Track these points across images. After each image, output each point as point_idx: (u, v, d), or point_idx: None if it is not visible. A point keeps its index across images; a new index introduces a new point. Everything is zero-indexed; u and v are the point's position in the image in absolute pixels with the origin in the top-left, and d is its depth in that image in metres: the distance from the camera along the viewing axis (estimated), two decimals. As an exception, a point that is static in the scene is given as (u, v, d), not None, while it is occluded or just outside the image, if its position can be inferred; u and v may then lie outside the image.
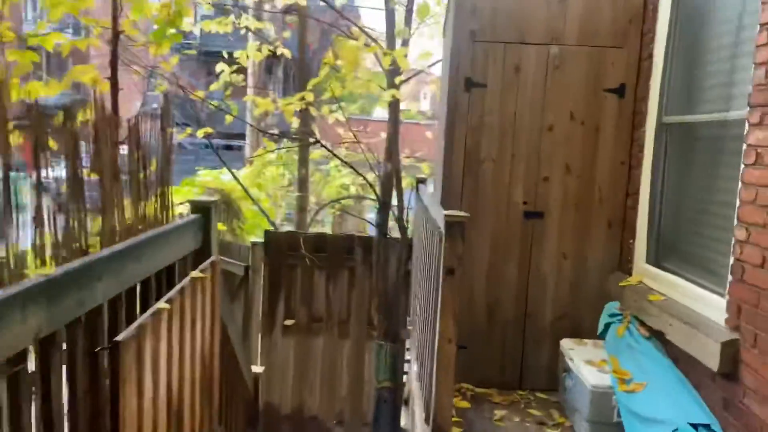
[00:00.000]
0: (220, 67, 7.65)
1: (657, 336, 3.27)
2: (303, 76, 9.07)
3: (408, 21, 6.16)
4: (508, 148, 3.99)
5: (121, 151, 2.17)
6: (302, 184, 10.30)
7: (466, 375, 3.91)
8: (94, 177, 1.96)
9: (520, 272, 4.04)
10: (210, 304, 2.64)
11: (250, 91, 11.29)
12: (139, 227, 2.24)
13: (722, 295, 2.75)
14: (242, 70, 7.92)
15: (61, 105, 1.86)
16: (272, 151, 9.96)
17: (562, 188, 4.00)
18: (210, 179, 9.89)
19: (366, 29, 6.52)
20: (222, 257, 3.52)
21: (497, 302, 4.06)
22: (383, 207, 6.37)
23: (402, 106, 6.36)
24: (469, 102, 3.96)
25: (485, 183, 4.01)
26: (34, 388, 1.52)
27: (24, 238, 1.63)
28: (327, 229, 11.97)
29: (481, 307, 4.06)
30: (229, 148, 16.89)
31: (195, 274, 2.42)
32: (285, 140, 10.31)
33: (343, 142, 8.41)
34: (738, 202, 2.63)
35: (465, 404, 3.75)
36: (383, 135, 6.96)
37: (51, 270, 1.57)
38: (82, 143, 1.90)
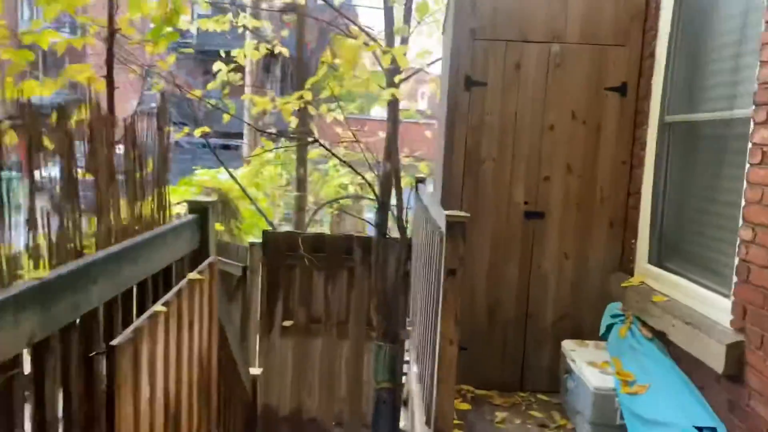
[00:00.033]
0: (217, 66, 7.62)
1: (659, 337, 3.24)
2: (301, 75, 9.04)
3: (407, 19, 6.12)
4: (508, 148, 3.96)
5: (118, 151, 2.13)
6: (300, 183, 10.26)
7: (467, 376, 3.87)
8: (90, 177, 1.92)
9: (520, 273, 4.01)
10: (208, 306, 2.61)
11: (247, 90, 11.26)
12: (136, 228, 2.20)
13: (727, 296, 2.72)
14: (240, 69, 7.88)
15: (56, 104, 1.82)
16: (270, 151, 9.92)
17: (563, 188, 3.97)
18: (207, 179, 9.84)
19: (365, 28, 6.48)
20: (219, 258, 3.48)
21: (498, 303, 4.02)
22: (382, 207, 6.33)
23: (401, 105, 6.31)
24: (470, 101, 3.93)
25: (486, 183, 3.97)
26: (28, 393, 1.48)
27: (17, 239, 1.59)
28: (325, 229, 11.94)
29: (482, 308, 4.02)
30: (226, 147, 16.86)
31: (192, 275, 2.38)
32: (283, 139, 10.27)
33: (342, 142, 8.37)
34: (743, 202, 2.60)
35: (465, 406, 3.72)
36: (381, 134, 6.93)
37: (45, 273, 1.53)
38: (78, 143, 1.86)
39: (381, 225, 6.30)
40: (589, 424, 3.18)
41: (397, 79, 5.76)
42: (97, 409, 1.76)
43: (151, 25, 4.31)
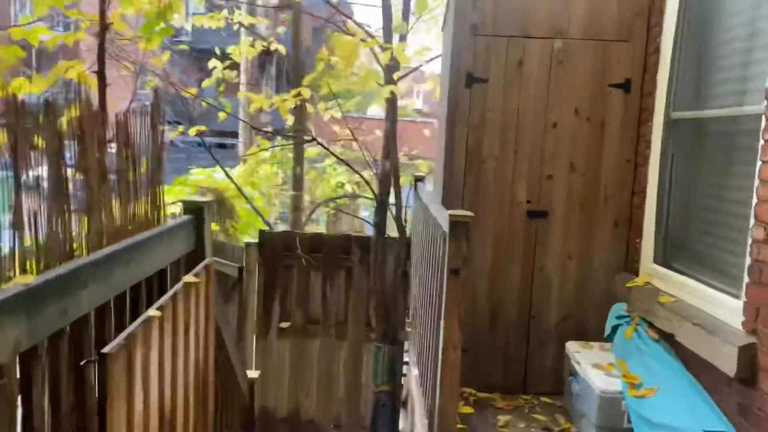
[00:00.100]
0: (212, 63, 7.53)
1: (666, 338, 3.18)
2: (297, 72, 8.94)
3: (406, 15, 6.04)
4: (510, 146, 3.88)
5: (110, 150, 2.04)
6: (297, 182, 10.18)
7: (469, 379, 3.79)
8: (81, 176, 1.83)
9: (523, 273, 3.93)
10: (204, 309, 2.52)
11: (243, 87, 11.16)
12: (129, 229, 2.12)
13: (737, 297, 2.65)
14: (235, 67, 7.80)
15: (44, 101, 1.73)
16: (266, 149, 9.83)
17: (567, 186, 3.89)
18: (203, 178, 9.74)
19: (363, 25, 6.40)
20: (215, 258, 3.40)
21: (500, 303, 3.95)
22: (381, 206, 6.25)
23: (398, 103, 6.23)
24: (471, 98, 3.85)
25: (487, 181, 3.90)
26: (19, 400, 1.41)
27: (3, 240, 1.51)
28: (322, 228, 11.86)
29: (484, 309, 3.95)
30: (222, 146, 16.77)
31: (188, 278, 2.30)
32: (279, 138, 10.18)
33: (339, 140, 8.29)
34: (755, 200, 2.53)
35: (468, 409, 3.64)
36: (378, 133, 6.86)
37: (30, 277, 1.44)
38: (67, 141, 1.78)
39: (379, 224, 6.22)
40: (594, 428, 3.11)
41: (395, 76, 5.68)
42: (88, 420, 1.68)
43: (145, 20, 4.22)
